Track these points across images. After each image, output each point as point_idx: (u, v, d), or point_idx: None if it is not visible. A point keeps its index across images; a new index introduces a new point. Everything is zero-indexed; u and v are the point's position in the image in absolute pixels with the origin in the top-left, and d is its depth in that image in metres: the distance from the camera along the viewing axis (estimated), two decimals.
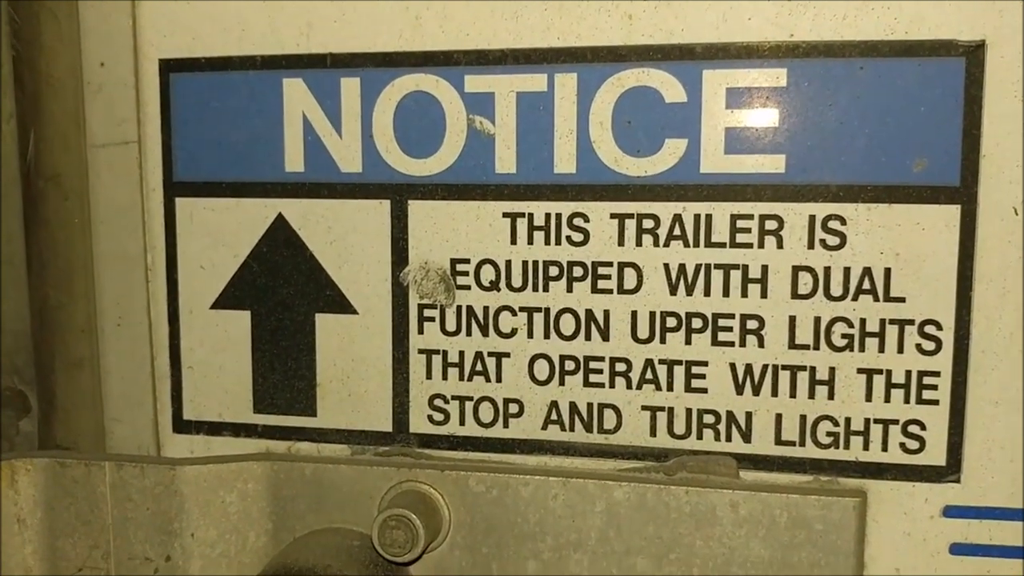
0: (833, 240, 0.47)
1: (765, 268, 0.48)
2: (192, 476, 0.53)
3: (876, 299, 0.47)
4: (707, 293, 0.49)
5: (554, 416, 0.52)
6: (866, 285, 0.47)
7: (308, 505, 0.53)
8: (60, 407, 0.57)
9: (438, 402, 0.53)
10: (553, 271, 0.51)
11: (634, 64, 0.48)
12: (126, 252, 0.56)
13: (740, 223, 0.48)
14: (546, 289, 0.51)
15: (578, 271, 0.50)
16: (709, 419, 0.50)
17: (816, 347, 0.48)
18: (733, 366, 0.49)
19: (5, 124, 0.56)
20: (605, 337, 0.50)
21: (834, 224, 0.47)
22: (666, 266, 0.49)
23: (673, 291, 0.49)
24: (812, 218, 0.47)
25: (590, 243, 0.50)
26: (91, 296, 0.56)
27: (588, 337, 0.51)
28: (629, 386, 0.50)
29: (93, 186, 0.55)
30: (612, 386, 0.51)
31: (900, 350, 0.47)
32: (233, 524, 0.53)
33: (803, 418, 0.49)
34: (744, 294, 0.48)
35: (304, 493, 0.53)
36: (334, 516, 0.52)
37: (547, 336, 0.51)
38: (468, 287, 0.52)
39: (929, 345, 0.47)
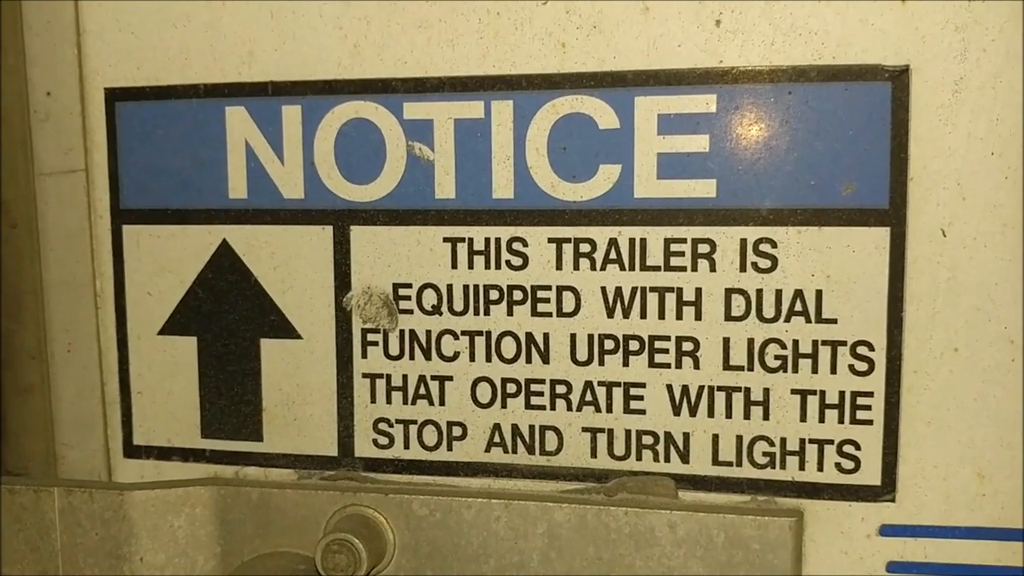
0: (765, 263, 0.48)
1: (699, 291, 0.49)
2: (140, 501, 0.53)
3: (808, 320, 0.48)
4: (643, 316, 0.49)
5: (497, 438, 0.52)
6: (798, 307, 0.48)
7: (255, 529, 0.53)
8: (11, 433, 0.57)
9: (382, 426, 0.53)
10: (493, 295, 0.51)
11: (568, 91, 0.49)
12: (75, 279, 0.56)
13: (674, 247, 0.49)
14: (487, 313, 0.51)
15: (518, 295, 0.51)
16: (648, 440, 0.50)
17: (750, 368, 0.49)
18: (670, 387, 0.50)
19: None
20: (545, 360, 0.51)
21: (765, 247, 0.48)
22: (603, 289, 0.50)
23: (610, 314, 0.50)
24: (744, 241, 0.48)
25: (529, 267, 0.50)
26: (41, 323, 0.56)
27: (529, 360, 0.51)
28: (569, 408, 0.51)
29: (41, 214, 0.56)
30: (553, 408, 0.51)
31: (833, 371, 0.48)
32: (181, 548, 0.54)
33: (739, 438, 0.49)
34: (679, 316, 0.49)
35: (251, 517, 0.53)
36: (280, 540, 0.53)
37: (488, 359, 0.52)
38: (411, 311, 0.52)
39: (862, 366, 0.48)
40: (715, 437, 0.50)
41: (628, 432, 0.51)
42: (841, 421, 0.48)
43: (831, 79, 0.46)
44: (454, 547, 0.51)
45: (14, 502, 0.54)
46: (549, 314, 0.51)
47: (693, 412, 0.50)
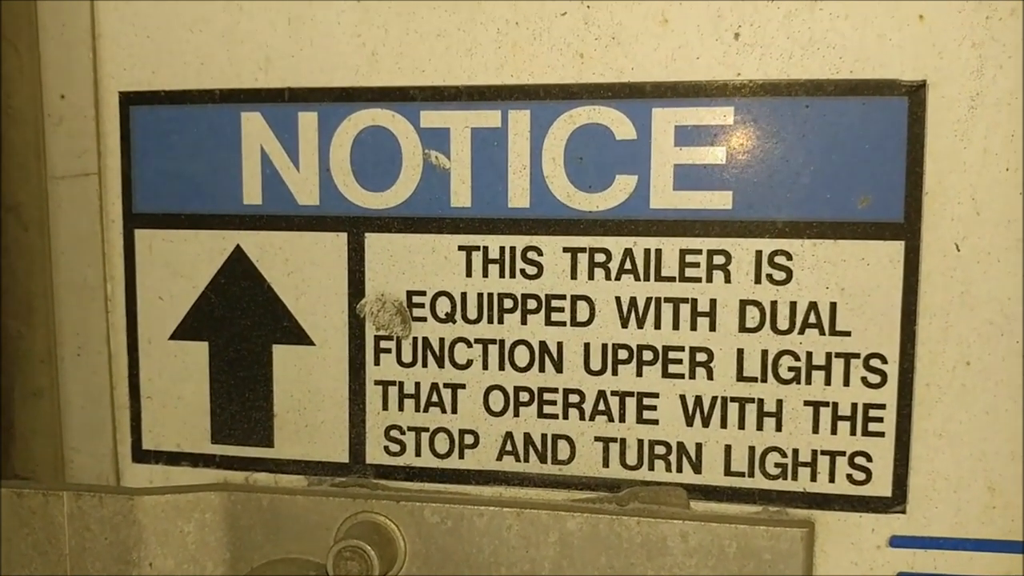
0: (779, 275, 0.48)
1: (713, 302, 0.49)
2: (150, 506, 0.53)
3: (822, 333, 0.48)
4: (657, 326, 0.50)
5: (509, 447, 0.52)
6: (812, 319, 0.48)
7: (265, 535, 0.53)
8: (19, 436, 0.57)
9: (394, 433, 0.53)
10: (508, 303, 0.51)
11: (586, 102, 0.49)
12: (86, 282, 0.56)
13: (689, 258, 0.49)
14: (501, 321, 0.51)
15: (532, 303, 0.51)
16: (660, 450, 0.50)
17: (764, 379, 0.49)
18: (683, 398, 0.50)
19: None
20: (558, 369, 0.51)
21: (780, 259, 0.48)
22: (617, 299, 0.50)
23: (624, 324, 0.50)
24: (759, 253, 0.48)
25: (543, 276, 0.51)
26: (51, 326, 0.56)
27: (542, 369, 0.51)
28: (582, 417, 0.51)
29: (53, 217, 0.56)
30: (565, 417, 0.51)
31: (846, 383, 0.48)
32: (191, 554, 0.53)
33: (752, 449, 0.49)
34: (693, 327, 0.49)
35: (261, 523, 0.53)
36: (291, 546, 0.53)
37: (502, 367, 0.52)
38: (424, 319, 0.52)
39: (874, 378, 0.48)
40: (728, 448, 0.50)
41: (641, 442, 0.51)
42: (853, 433, 0.48)
43: (848, 93, 0.46)
44: (465, 555, 0.51)
45: (22, 506, 0.54)
46: (563, 323, 0.51)
47: (706, 422, 0.50)
